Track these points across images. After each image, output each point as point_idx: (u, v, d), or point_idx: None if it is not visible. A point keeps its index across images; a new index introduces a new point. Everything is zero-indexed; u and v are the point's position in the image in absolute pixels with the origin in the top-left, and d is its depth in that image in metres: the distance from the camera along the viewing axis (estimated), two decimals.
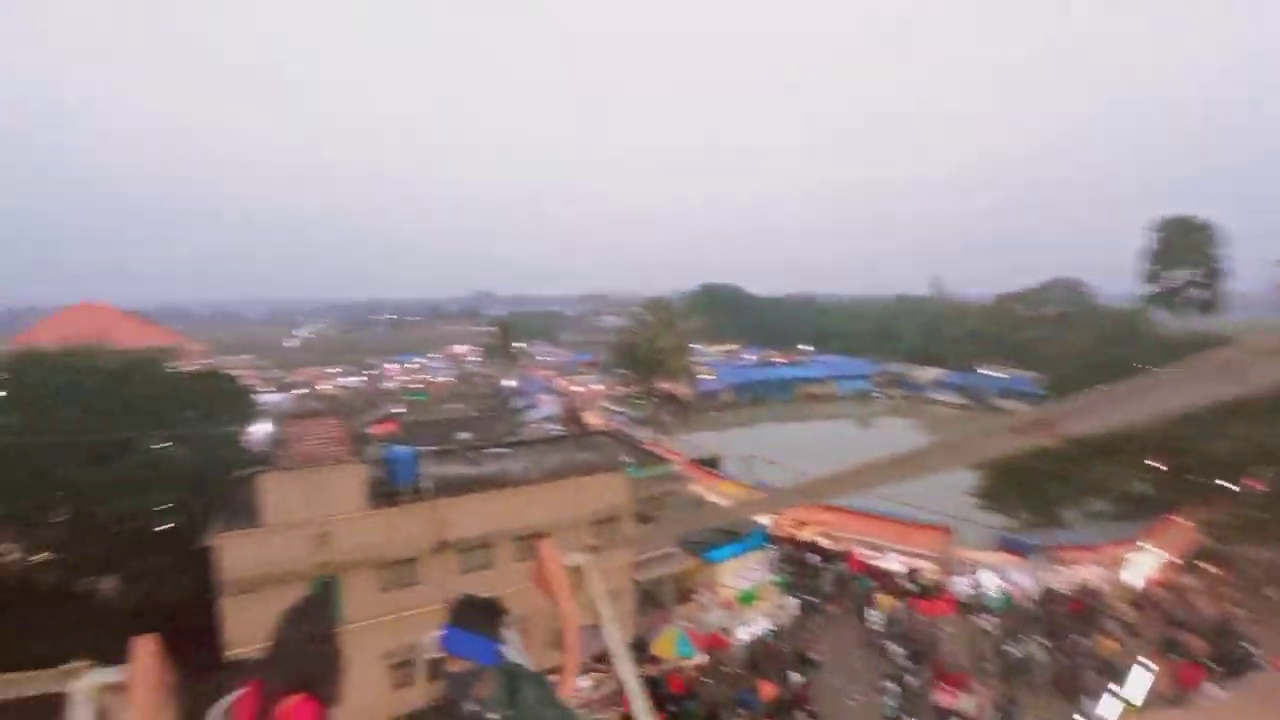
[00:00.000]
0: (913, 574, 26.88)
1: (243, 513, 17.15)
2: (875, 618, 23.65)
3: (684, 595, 24.68)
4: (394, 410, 56.19)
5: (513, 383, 69.15)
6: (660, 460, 24.99)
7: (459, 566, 19.68)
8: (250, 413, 24.02)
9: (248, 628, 16.64)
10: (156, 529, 18.17)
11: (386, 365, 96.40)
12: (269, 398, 36.57)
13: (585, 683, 19.06)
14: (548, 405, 60.19)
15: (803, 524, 31.90)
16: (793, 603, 24.72)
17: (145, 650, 2.31)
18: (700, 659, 20.98)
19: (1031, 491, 31.49)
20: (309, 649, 2.09)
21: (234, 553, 16.44)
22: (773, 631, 22.63)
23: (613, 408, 60.95)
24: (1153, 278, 44.33)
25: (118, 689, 2.30)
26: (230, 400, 22.47)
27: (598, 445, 27.45)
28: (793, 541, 30.60)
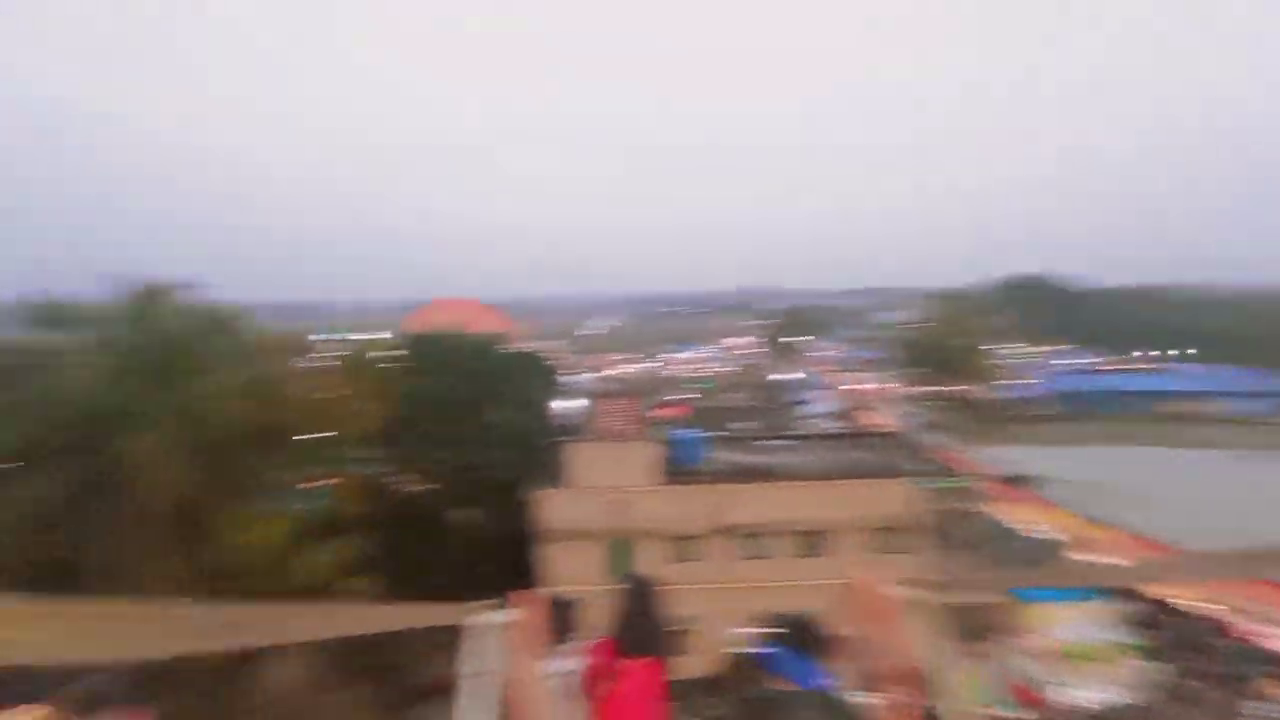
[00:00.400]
0: None
1: (556, 474, 20.00)
2: (1257, 710, 17.64)
3: (981, 632, 21.36)
4: (682, 396, 60.12)
5: (789, 377, 68.36)
6: (953, 472, 21.94)
7: (737, 552, 20.02)
8: (563, 389, 28.01)
9: (558, 568, 19.51)
10: (500, 478, 22.35)
11: (673, 355, 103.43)
12: (573, 379, 42.32)
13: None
14: (825, 401, 58.01)
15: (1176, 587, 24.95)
16: (1141, 669, 19.55)
17: (525, 600, 2.56)
18: (1007, 711, 17.93)
19: None
20: (649, 622, 2.44)
21: (548, 507, 19.27)
22: (1123, 705, 18.19)
23: (899, 408, 56.07)
24: None
25: (504, 629, 2.53)
26: (548, 375, 26.48)
27: (880, 447, 25.35)
28: (1145, 598, 24.18)
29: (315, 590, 14.27)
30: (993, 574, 22.11)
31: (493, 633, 2.59)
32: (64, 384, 13.59)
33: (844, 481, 20.30)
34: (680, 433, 22.08)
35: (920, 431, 39.93)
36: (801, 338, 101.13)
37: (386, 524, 20.98)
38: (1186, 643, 21.09)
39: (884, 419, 48.51)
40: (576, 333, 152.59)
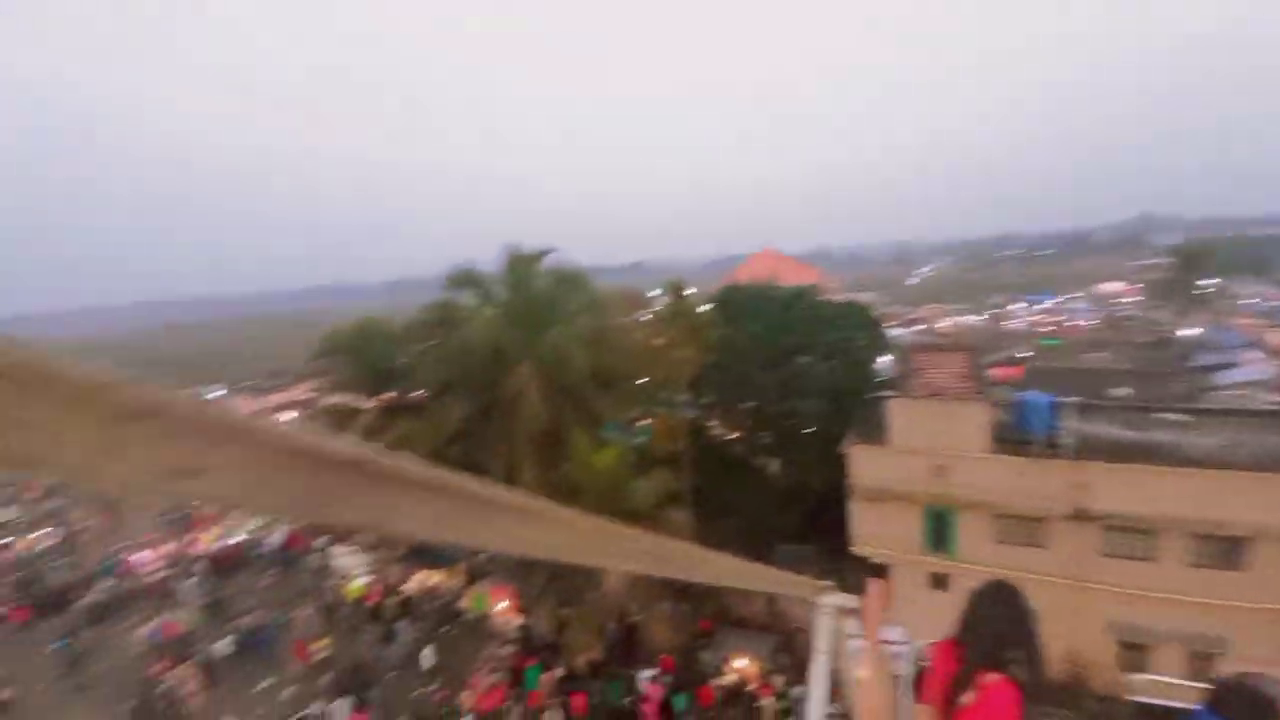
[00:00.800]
0: None
1: (873, 430, 18.76)
2: None
3: None
4: (1018, 355, 51.21)
5: (1195, 332, 52.07)
6: None
7: (1101, 546, 16.27)
8: (880, 342, 25.91)
9: (869, 529, 18.55)
10: (806, 429, 22.07)
11: (1013, 305, 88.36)
12: (892, 332, 38.94)
13: None
14: (1256, 367, 42.73)
15: None
16: None
17: (876, 589, 2.54)
18: None
19: None
20: (1013, 634, 2.04)
21: (863, 463, 18.27)
22: None
23: None
24: None
25: (851, 613, 2.66)
26: (864, 327, 24.73)
27: None
28: None
29: (639, 516, 16.24)
30: None
31: (840, 616, 2.69)
32: (467, 333, 17.69)
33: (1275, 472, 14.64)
34: (1025, 394, 18.57)
35: None
36: (1217, 281, 75.72)
37: (699, 464, 22.64)
38: None
39: None
40: (906, 282, 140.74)
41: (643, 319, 24.43)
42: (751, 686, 17.71)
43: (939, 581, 18.17)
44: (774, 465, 24.74)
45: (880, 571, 19.10)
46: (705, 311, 23.73)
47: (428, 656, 19.63)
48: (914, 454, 17.64)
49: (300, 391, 29.18)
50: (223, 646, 20.55)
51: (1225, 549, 15.21)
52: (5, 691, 18.93)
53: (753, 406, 23.54)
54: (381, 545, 24.22)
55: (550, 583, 17.41)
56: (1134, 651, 16.53)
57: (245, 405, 60.81)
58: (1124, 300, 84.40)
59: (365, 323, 24.16)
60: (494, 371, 17.90)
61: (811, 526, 22.14)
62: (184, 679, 18.96)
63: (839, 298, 29.27)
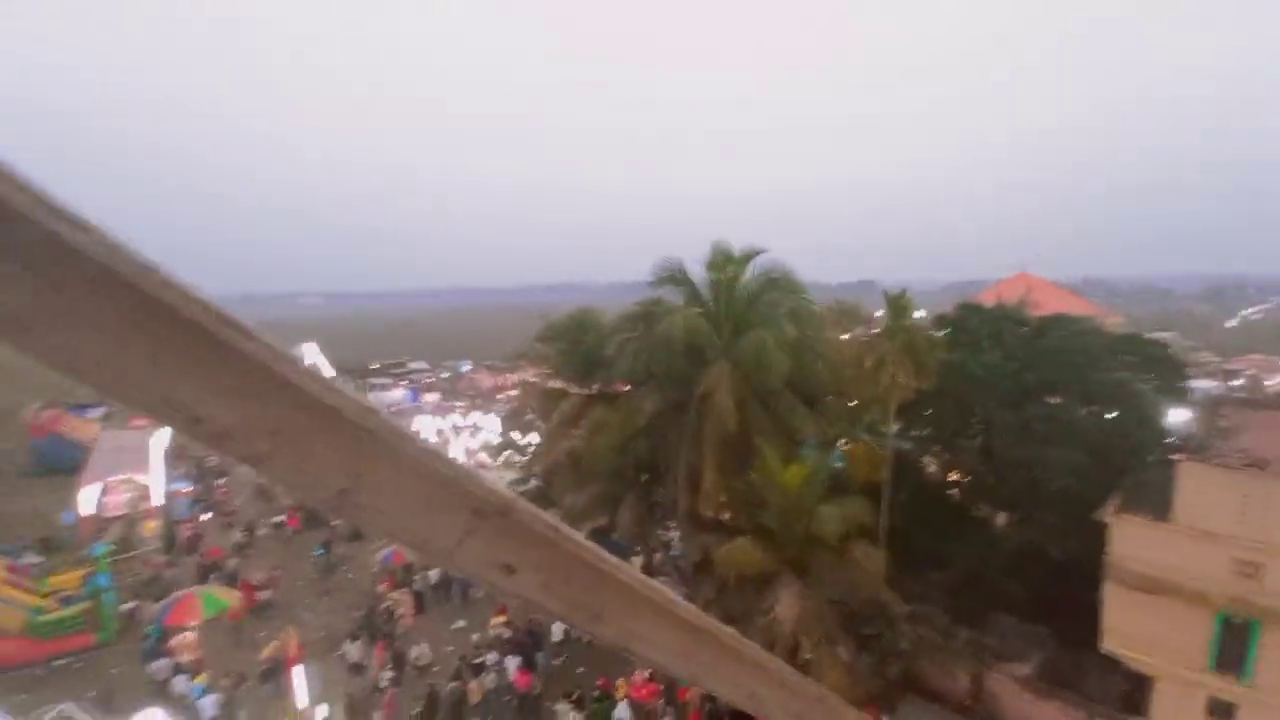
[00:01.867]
0: None
1: (1150, 499, 14.63)
2: None
3: None
4: None
5: None
6: None
7: None
8: (1178, 391, 20.33)
9: (1128, 625, 14.47)
10: (1051, 485, 18.06)
11: None
12: (1197, 384, 30.38)
13: None
14: None
15: None
16: None
17: None
18: None
19: None
20: None
21: (1129, 539, 14.32)
22: None
23: None
24: None
25: None
26: (1157, 370, 19.58)
27: None
28: None
29: (821, 544, 14.63)
30: None
31: None
32: (667, 327, 17.59)
33: None
34: None
35: None
36: None
37: (903, 501, 19.95)
38: None
39: None
40: (1223, 324, 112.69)
41: (858, 336, 22.18)
42: None
43: (1223, 710, 13.56)
44: (1001, 519, 20.85)
45: (1139, 681, 14.88)
46: (933, 334, 20.85)
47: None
48: (1210, 539, 13.33)
49: (529, 374, 32.03)
50: (432, 578, 23.37)
51: None
52: (266, 592, 23.50)
53: (980, 447, 20.03)
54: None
55: (720, 595, 16.58)
56: None
57: (486, 379, 69.77)
58: None
59: (580, 313, 25.66)
60: (689, 368, 17.62)
61: (1042, 603, 18.15)
62: (400, 601, 21.92)
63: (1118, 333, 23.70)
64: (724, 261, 19.63)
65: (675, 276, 19.99)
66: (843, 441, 20.82)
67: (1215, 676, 13.65)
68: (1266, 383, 57.53)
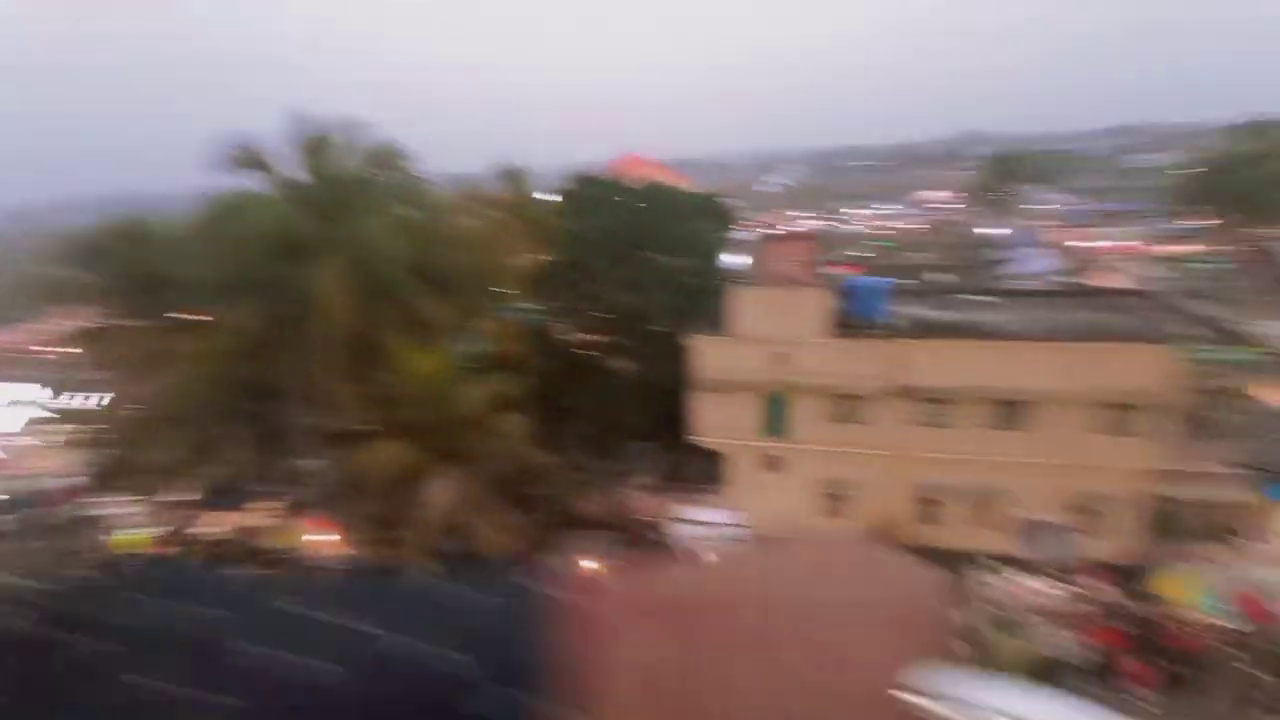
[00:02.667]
0: None
1: (718, 322, 18.51)
2: None
3: (1216, 532, 17.11)
4: (856, 255, 54.58)
5: (999, 233, 58.29)
6: (1236, 340, 16.60)
7: (915, 417, 17.51)
8: (731, 238, 25.54)
9: (709, 419, 18.57)
10: (656, 326, 21.52)
11: (854, 211, 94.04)
12: (742, 236, 39.32)
13: (1042, 586, 15.53)
14: (1040, 260, 48.83)
15: None
16: None
17: None
18: (1227, 621, 14.40)
19: None
20: None
21: (705, 355, 18.03)
22: None
23: (1154, 269, 45.22)
24: None
25: None
26: (714, 222, 24.08)
27: (1130, 307, 20.07)
28: None
29: (467, 424, 14.87)
30: (1246, 467, 17.31)
31: None
32: (249, 224, 14.56)
33: (1066, 344, 16.31)
34: (858, 280, 19.15)
35: (1186, 294, 31.54)
36: (1018, 188, 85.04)
37: (542, 367, 21.47)
38: None
39: (1129, 280, 39.32)
40: (753, 187, 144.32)
41: (482, 211, 21.89)
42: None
43: (772, 464, 18.88)
44: (630, 362, 24.20)
45: (716, 458, 19.53)
46: (551, 206, 21.81)
47: None
48: (755, 342, 17.63)
49: (64, 318, 23.75)
50: None
51: (1014, 412, 16.93)
52: None
53: (603, 306, 22.46)
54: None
55: (373, 505, 15.76)
56: (931, 506, 18.38)
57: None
58: (947, 205, 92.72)
59: (127, 225, 19.61)
60: (288, 270, 15.07)
61: (662, 423, 22.11)
62: None
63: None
64: (317, 142, 16.78)
65: (252, 160, 16.43)
66: (482, 322, 20.99)
67: (767, 441, 18.72)
68: (788, 228, 77.56)
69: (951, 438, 17.43)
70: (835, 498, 18.67)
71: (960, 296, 21.47)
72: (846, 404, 17.66)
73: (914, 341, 16.88)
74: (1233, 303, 24.80)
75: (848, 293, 18.77)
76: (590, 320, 22.41)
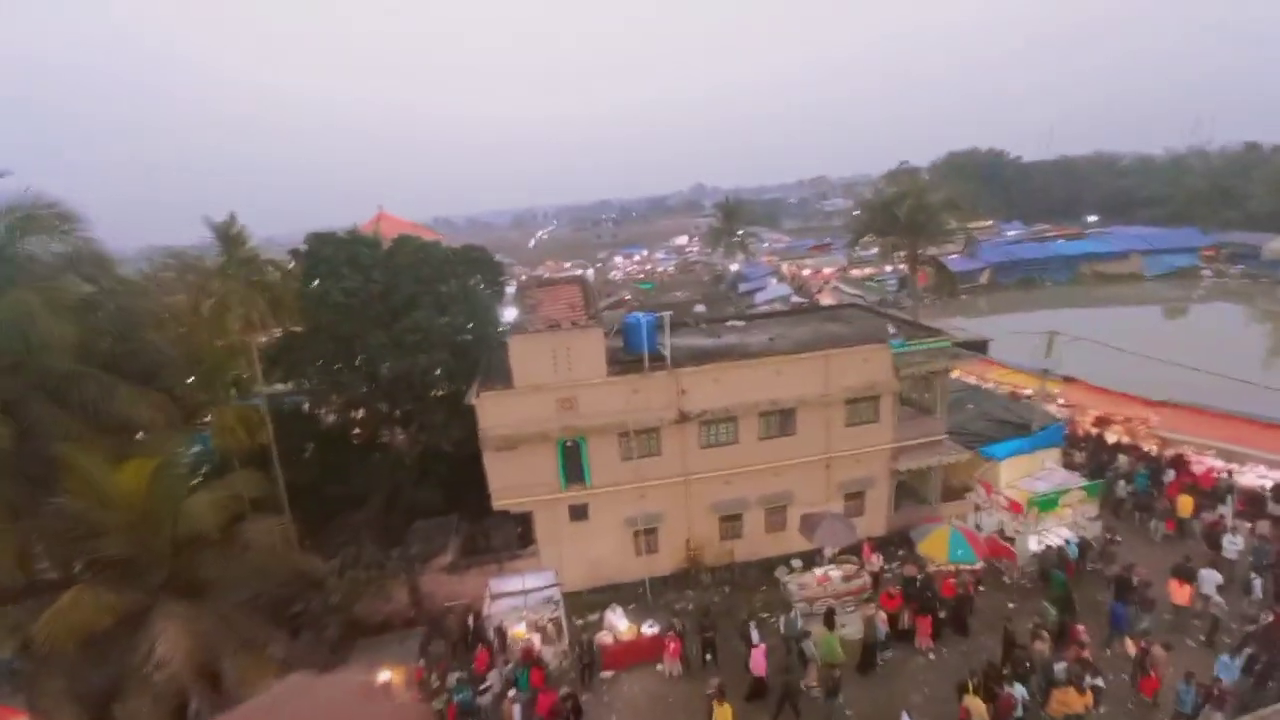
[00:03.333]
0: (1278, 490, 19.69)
1: (499, 374, 17.59)
2: (1233, 545, 17.64)
3: (955, 492, 21.04)
4: (624, 297, 57.77)
5: (737, 268, 66.55)
6: (930, 332, 20.68)
7: (700, 439, 18.48)
8: (502, 289, 24.78)
9: (506, 480, 17.41)
10: (430, 387, 19.78)
11: (615, 258, 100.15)
12: (511, 288, 39.03)
13: (836, 573, 17.26)
14: (776, 288, 56.84)
15: (1106, 421, 25.23)
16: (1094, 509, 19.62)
17: None
18: (978, 565, 17.70)
19: None
20: None
21: (490, 411, 16.97)
22: (1078, 544, 18.10)
23: (848, 289, 55.42)
24: None
25: None
26: (483, 273, 23.09)
27: (849, 318, 23.87)
28: (1098, 441, 24.42)
29: (201, 540, 11.85)
30: (966, 433, 21.58)
31: None
32: None
33: (815, 353, 18.68)
34: (629, 317, 19.81)
35: (880, 303, 39.12)
36: (748, 230, 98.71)
37: (299, 455, 18.48)
38: (1134, 480, 21.29)
39: (840, 297, 47.80)
40: (527, 245, 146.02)
41: (199, 286, 18.09)
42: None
43: (579, 513, 18.41)
44: (401, 438, 21.87)
45: (525, 520, 18.46)
46: (281, 263, 19.03)
47: None
48: (539, 391, 17.12)
49: None
50: None
51: (782, 420, 18.79)
52: None
53: (365, 375, 20.07)
54: None
55: (72, 675, 11.57)
56: (731, 522, 19.48)
57: None
58: (690, 249, 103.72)
59: None
60: None
61: (451, 494, 20.27)
62: None
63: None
64: None
65: None
66: (206, 414, 17.26)
67: (569, 491, 18.14)
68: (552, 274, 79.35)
69: (736, 453, 18.70)
70: (644, 534, 18.75)
71: (719, 325, 23.57)
72: (638, 438, 17.95)
73: (688, 369, 17.84)
74: (911, 306, 31.10)
75: (621, 330, 19.32)
76: (352, 393, 19.83)
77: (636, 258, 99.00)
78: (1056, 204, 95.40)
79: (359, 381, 19.68)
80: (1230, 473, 20.58)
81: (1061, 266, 66.53)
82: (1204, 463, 21.44)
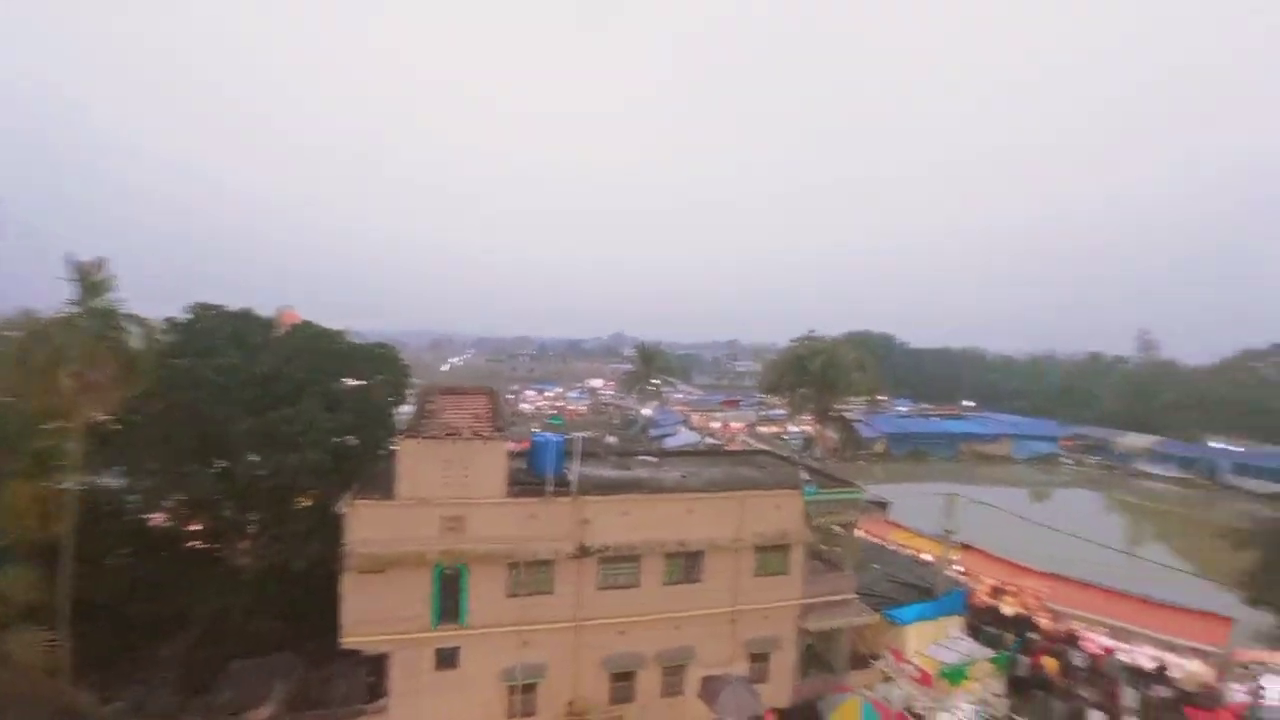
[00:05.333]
0: (1162, 671, 19.93)
1: (382, 483, 15.43)
2: None
3: (861, 660, 19.74)
4: (531, 430, 55.97)
5: (649, 413, 66.91)
6: (841, 482, 20.54)
7: (598, 579, 16.57)
8: (404, 393, 22.80)
9: (364, 610, 14.52)
10: (295, 489, 17.00)
11: (527, 391, 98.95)
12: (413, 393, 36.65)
13: None
14: (686, 435, 56.98)
15: (1001, 590, 25.37)
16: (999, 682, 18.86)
17: None
18: None
19: None
20: None
21: (363, 523, 14.61)
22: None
23: (756, 444, 56.28)
24: None
25: None
26: (385, 371, 21.19)
27: (761, 463, 23.54)
28: (994, 612, 24.27)
29: None
30: (873, 595, 20.81)
31: None
32: None
33: (728, 494, 17.84)
34: (537, 435, 18.49)
35: (789, 454, 39.60)
36: (663, 380, 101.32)
37: (102, 556, 15.00)
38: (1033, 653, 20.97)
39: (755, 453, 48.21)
40: (440, 368, 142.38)
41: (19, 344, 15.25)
42: None
43: (447, 658, 15.54)
44: (245, 550, 18.39)
45: (378, 666, 15.29)
46: (149, 322, 16.70)
47: None
48: (424, 504, 15.06)
49: None
50: None
51: (688, 565, 17.35)
52: None
53: (216, 468, 17.20)
54: None
55: None
56: (623, 682, 17.04)
57: None
58: (605, 391, 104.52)
59: None
60: None
61: (296, 625, 16.83)
62: None
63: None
64: None
65: None
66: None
67: (439, 630, 15.38)
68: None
69: (635, 598, 16.85)
70: (521, 691, 15.93)
71: (631, 457, 22.53)
72: (529, 572, 15.88)
73: (594, 498, 16.46)
74: (817, 458, 31.52)
75: (527, 449, 17.93)
76: (198, 493, 16.74)
77: (550, 394, 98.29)
78: (938, 387, 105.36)
79: (208, 480, 16.72)
80: (1116, 651, 20.73)
81: (946, 443, 71.69)
82: (1095, 640, 21.56)
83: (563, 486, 16.49)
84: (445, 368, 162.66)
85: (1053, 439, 73.70)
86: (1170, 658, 20.47)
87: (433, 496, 15.14)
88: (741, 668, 17.79)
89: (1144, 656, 20.72)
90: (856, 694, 17.05)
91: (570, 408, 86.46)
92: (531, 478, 16.92)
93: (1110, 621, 22.02)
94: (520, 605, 15.89)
